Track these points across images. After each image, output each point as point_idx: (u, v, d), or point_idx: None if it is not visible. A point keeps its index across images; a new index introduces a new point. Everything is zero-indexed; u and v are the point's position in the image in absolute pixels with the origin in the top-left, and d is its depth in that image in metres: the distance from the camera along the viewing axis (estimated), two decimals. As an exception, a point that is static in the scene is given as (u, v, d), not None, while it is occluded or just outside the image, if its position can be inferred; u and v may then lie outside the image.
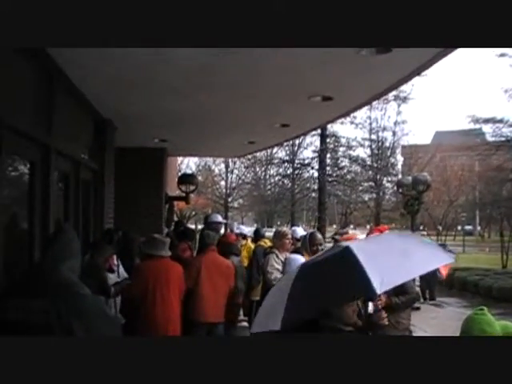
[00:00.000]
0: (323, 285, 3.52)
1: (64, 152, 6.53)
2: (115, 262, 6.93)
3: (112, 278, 6.52)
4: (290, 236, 7.90)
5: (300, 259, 5.99)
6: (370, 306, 5.81)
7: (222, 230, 12.76)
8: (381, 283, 3.15)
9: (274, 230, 10.26)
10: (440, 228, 31.47)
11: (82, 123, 7.83)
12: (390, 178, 37.65)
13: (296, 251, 7.03)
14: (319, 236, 7.10)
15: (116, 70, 5.72)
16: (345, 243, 3.81)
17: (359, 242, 3.77)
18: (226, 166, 43.74)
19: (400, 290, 5.61)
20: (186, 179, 14.70)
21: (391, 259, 3.48)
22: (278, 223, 50.59)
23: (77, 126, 7.56)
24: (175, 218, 16.75)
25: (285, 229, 8.37)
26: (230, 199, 44.63)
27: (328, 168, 36.04)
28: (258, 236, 11.05)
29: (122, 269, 6.99)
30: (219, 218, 12.13)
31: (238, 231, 12.31)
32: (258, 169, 43.71)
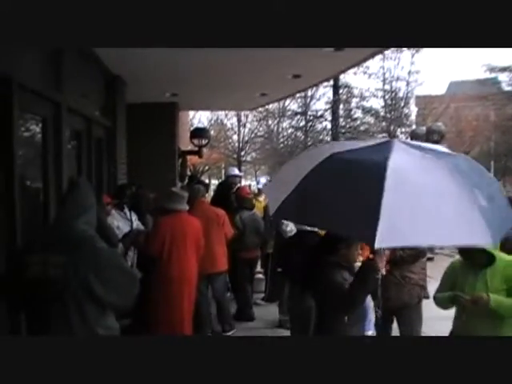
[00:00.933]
0: (335, 199, 3.08)
1: (75, 109, 6.54)
2: (127, 215, 6.98)
3: (122, 229, 6.54)
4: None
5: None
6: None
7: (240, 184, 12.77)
8: (384, 239, 2.73)
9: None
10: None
11: (92, 80, 7.80)
12: (403, 129, 37.31)
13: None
14: None
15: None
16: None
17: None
18: (239, 120, 43.49)
19: None
20: (198, 133, 14.67)
21: (417, 216, 2.89)
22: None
23: (87, 83, 7.53)
24: (188, 173, 16.76)
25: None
26: (242, 153, 44.54)
27: (341, 119, 35.77)
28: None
29: (136, 222, 7.05)
30: (235, 171, 12.14)
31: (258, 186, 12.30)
32: (270, 122, 43.40)
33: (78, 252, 3.08)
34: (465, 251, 4.25)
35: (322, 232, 6.21)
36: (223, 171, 16.10)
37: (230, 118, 44.25)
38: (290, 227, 7.04)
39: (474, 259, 4.13)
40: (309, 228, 5.81)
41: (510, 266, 4.21)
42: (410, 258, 5.48)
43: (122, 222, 6.69)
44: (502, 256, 4.23)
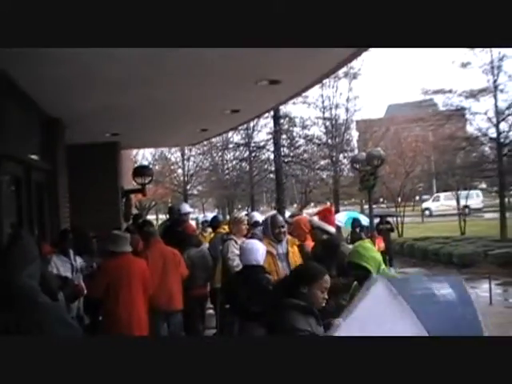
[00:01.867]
0: None
1: (13, 155, 6.46)
2: (71, 258, 6.91)
3: (63, 273, 6.45)
4: (245, 221, 7.95)
5: (254, 244, 6.03)
6: None
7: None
8: None
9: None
10: (399, 200, 31.84)
11: (29, 124, 7.73)
12: (346, 154, 37.87)
13: (252, 237, 7.08)
14: (280, 219, 7.19)
15: (59, 68, 5.67)
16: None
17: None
18: (182, 154, 43.47)
19: (342, 270, 5.56)
20: (140, 171, 14.58)
21: None
22: (239, 207, 50.63)
23: (25, 128, 7.46)
24: (134, 211, 16.62)
25: (240, 214, 8.39)
26: (188, 186, 44.46)
27: (284, 148, 36.10)
28: (215, 223, 10.89)
29: (80, 264, 6.97)
30: (188, 209, 12.07)
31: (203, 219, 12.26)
32: (214, 154, 43.51)
33: (20, 308, 3.03)
34: (353, 273, 4.81)
35: (268, 266, 6.30)
36: (169, 206, 15.94)
37: (173, 153, 44.23)
38: (237, 262, 7.05)
39: (356, 277, 4.66)
40: (254, 262, 5.86)
41: None
42: (344, 286, 5.53)
43: (62, 267, 6.59)
44: (386, 273, 4.93)
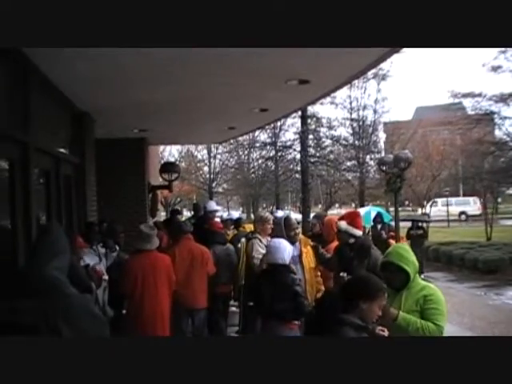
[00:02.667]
0: None
1: (43, 148, 6.52)
2: (99, 250, 7.00)
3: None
4: (271, 221, 7.95)
5: (281, 243, 6.02)
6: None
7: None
8: None
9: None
10: (425, 203, 31.60)
11: (59, 118, 7.81)
12: (372, 156, 37.67)
13: (276, 235, 7.10)
14: (293, 220, 7.24)
15: (90, 65, 5.72)
16: None
17: None
18: (209, 152, 43.69)
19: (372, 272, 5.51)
20: (167, 168, 14.68)
21: None
22: (264, 206, 50.64)
23: (54, 122, 7.54)
24: (160, 206, 16.73)
25: (266, 214, 8.38)
26: (214, 184, 44.62)
27: (310, 149, 36.00)
28: (238, 223, 11.12)
29: (107, 256, 7.07)
30: (214, 206, 12.12)
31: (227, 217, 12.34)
32: (240, 153, 43.58)
33: (48, 298, 3.06)
34: (386, 274, 4.45)
35: (293, 267, 6.29)
36: (194, 203, 16.00)
37: (200, 150, 44.46)
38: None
39: (392, 281, 4.36)
40: (280, 262, 5.86)
41: (423, 289, 4.49)
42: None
43: (91, 260, 6.66)
44: (418, 280, 4.53)
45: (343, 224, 6.74)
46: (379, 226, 14.85)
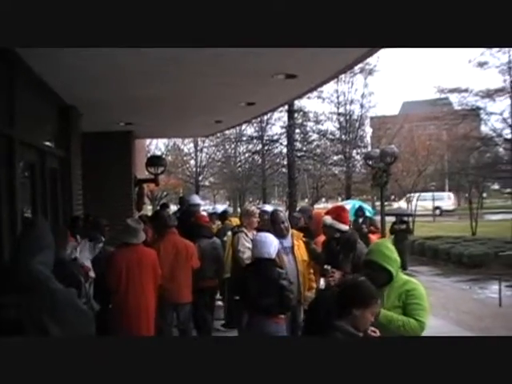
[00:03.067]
0: None
1: (28, 142, 6.50)
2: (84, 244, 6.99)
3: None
4: (257, 214, 7.95)
5: (268, 237, 6.03)
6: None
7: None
8: None
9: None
10: (410, 197, 31.71)
11: (45, 111, 7.78)
12: (359, 151, 37.80)
13: (263, 229, 7.11)
14: (281, 214, 7.23)
15: (78, 59, 5.66)
16: None
17: None
18: (195, 145, 43.59)
19: (357, 266, 5.44)
20: (153, 161, 14.64)
21: None
22: (250, 199, 50.62)
23: (40, 115, 7.51)
24: (146, 200, 16.70)
25: (252, 207, 8.39)
26: (200, 178, 44.57)
27: (297, 143, 36.09)
28: (224, 216, 11.11)
29: (86, 252, 7.05)
30: (197, 200, 12.06)
31: (212, 211, 12.25)
32: (227, 146, 43.54)
33: (32, 293, 3.05)
34: (368, 272, 4.36)
35: (280, 261, 6.31)
36: (180, 197, 15.94)
37: (187, 144, 44.33)
38: (247, 255, 7.07)
39: (374, 280, 4.17)
40: (266, 256, 5.87)
41: (405, 284, 4.49)
42: None
43: (76, 254, 6.64)
44: (400, 275, 4.52)
45: (328, 219, 6.76)
46: (360, 220, 14.72)
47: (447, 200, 41.55)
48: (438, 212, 34.80)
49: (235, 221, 9.86)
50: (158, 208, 12.38)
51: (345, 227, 6.73)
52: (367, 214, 16.08)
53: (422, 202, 30.13)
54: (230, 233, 8.69)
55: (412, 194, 31.42)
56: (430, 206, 28.57)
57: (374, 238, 12.00)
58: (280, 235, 6.77)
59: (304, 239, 7.35)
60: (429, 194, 29.29)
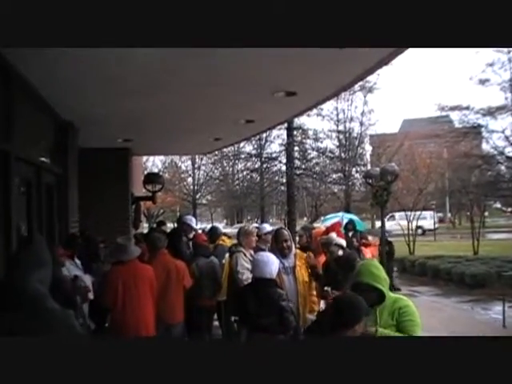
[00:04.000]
0: None
1: (24, 157, 6.49)
2: (78, 264, 6.97)
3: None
4: (255, 233, 7.93)
5: (269, 257, 6.02)
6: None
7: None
8: None
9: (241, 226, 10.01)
10: (410, 216, 31.67)
11: (42, 127, 7.78)
12: (358, 169, 37.94)
13: (260, 248, 7.07)
14: (285, 233, 7.10)
15: (74, 72, 5.72)
16: None
17: None
18: (193, 163, 43.76)
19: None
20: (151, 179, 14.62)
21: None
22: (248, 218, 50.60)
23: (37, 130, 7.52)
24: (142, 218, 16.66)
25: (251, 226, 8.36)
26: (198, 196, 44.62)
27: (296, 160, 36.19)
28: (214, 235, 10.39)
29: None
30: (190, 221, 11.87)
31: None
32: (225, 164, 43.69)
33: (29, 312, 3.02)
34: (359, 293, 4.33)
35: (280, 281, 6.29)
36: (179, 215, 15.90)
37: (184, 161, 44.48)
38: (246, 275, 7.04)
39: (366, 300, 4.20)
40: (268, 276, 5.85)
41: (396, 301, 4.53)
42: None
43: (74, 271, 6.63)
44: (389, 294, 4.53)
45: (334, 237, 6.76)
46: (350, 234, 14.39)
47: (429, 219, 41.80)
48: (420, 231, 34.81)
49: (228, 241, 9.76)
50: (155, 226, 12.27)
51: (344, 243, 6.77)
52: (358, 227, 15.80)
53: (404, 221, 30.12)
54: (227, 255, 8.63)
55: (394, 214, 31.30)
56: (413, 226, 28.64)
57: (366, 250, 11.87)
58: (282, 254, 6.74)
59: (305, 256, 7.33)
60: (411, 214, 29.34)
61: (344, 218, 18.36)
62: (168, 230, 10.38)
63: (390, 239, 18.78)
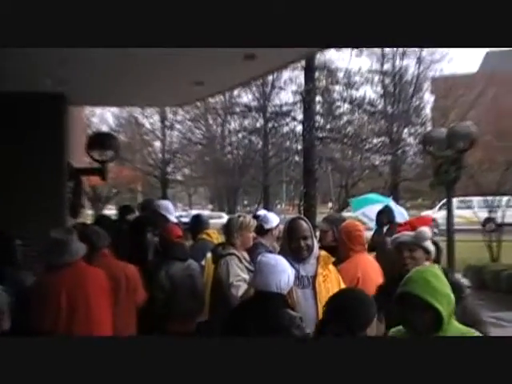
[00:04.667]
0: None
1: None
2: None
3: None
4: (253, 227, 7.82)
5: (278, 261, 5.86)
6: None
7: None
8: None
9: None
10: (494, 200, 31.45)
11: None
12: (413, 130, 37.88)
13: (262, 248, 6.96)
14: (305, 225, 6.91)
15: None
16: None
17: None
18: (163, 119, 43.73)
19: None
20: (99, 142, 14.50)
21: None
22: (245, 203, 50.81)
23: None
24: (85, 202, 16.57)
25: (248, 218, 8.21)
26: (169, 168, 44.65)
27: (318, 117, 36.09)
28: (197, 227, 10.25)
29: None
30: (162, 209, 11.60)
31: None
32: (211, 121, 43.72)
33: None
34: (405, 312, 4.46)
35: (290, 297, 6.15)
36: (145, 200, 15.73)
37: (149, 117, 44.41)
38: (243, 289, 6.93)
39: (414, 323, 4.36)
40: (275, 289, 5.69)
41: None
42: None
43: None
44: (454, 324, 4.53)
45: (424, 232, 6.58)
46: (385, 230, 12.88)
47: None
48: (491, 226, 34.11)
49: (215, 235, 9.76)
50: (119, 212, 12.00)
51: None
52: (396, 218, 14.20)
53: (464, 212, 29.85)
54: (209, 254, 8.52)
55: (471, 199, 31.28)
56: (481, 217, 27.97)
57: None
58: (297, 258, 6.62)
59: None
60: (477, 199, 28.80)
61: (373, 200, 16.94)
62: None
63: (435, 238, 18.60)
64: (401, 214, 16.36)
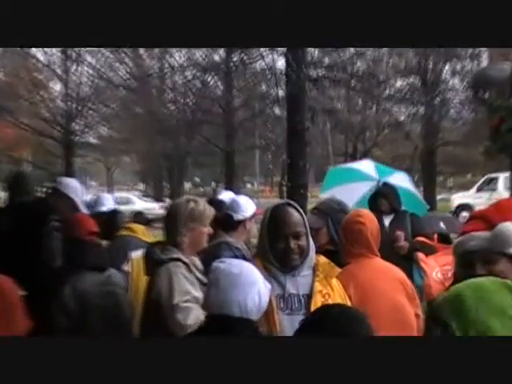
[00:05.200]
0: None
1: None
2: None
3: None
4: (210, 217, 7.72)
5: (249, 270, 5.78)
6: None
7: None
8: None
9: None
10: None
11: None
12: (459, 67, 38.08)
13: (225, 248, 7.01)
14: (295, 216, 6.67)
15: None
16: None
17: None
18: (64, 49, 43.62)
19: None
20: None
21: None
22: (197, 180, 51.08)
23: None
24: None
25: (201, 203, 8.03)
26: (76, 126, 44.56)
27: (309, 50, 36.14)
28: (116, 220, 10.58)
29: None
30: (70, 190, 11.57)
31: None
32: (143, 52, 43.68)
33: None
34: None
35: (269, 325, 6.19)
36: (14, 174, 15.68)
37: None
38: (194, 315, 6.87)
39: None
40: (236, 313, 5.66)
41: None
42: None
43: None
44: None
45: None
46: (387, 221, 13.25)
47: None
48: None
49: (140, 230, 9.86)
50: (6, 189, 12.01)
51: None
52: (412, 207, 14.38)
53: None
54: (134, 254, 8.55)
55: (497, 175, 31.63)
56: None
57: (428, 261, 11.47)
58: (283, 266, 6.51)
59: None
60: None
61: (351, 178, 16.20)
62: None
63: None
64: (417, 205, 15.61)
